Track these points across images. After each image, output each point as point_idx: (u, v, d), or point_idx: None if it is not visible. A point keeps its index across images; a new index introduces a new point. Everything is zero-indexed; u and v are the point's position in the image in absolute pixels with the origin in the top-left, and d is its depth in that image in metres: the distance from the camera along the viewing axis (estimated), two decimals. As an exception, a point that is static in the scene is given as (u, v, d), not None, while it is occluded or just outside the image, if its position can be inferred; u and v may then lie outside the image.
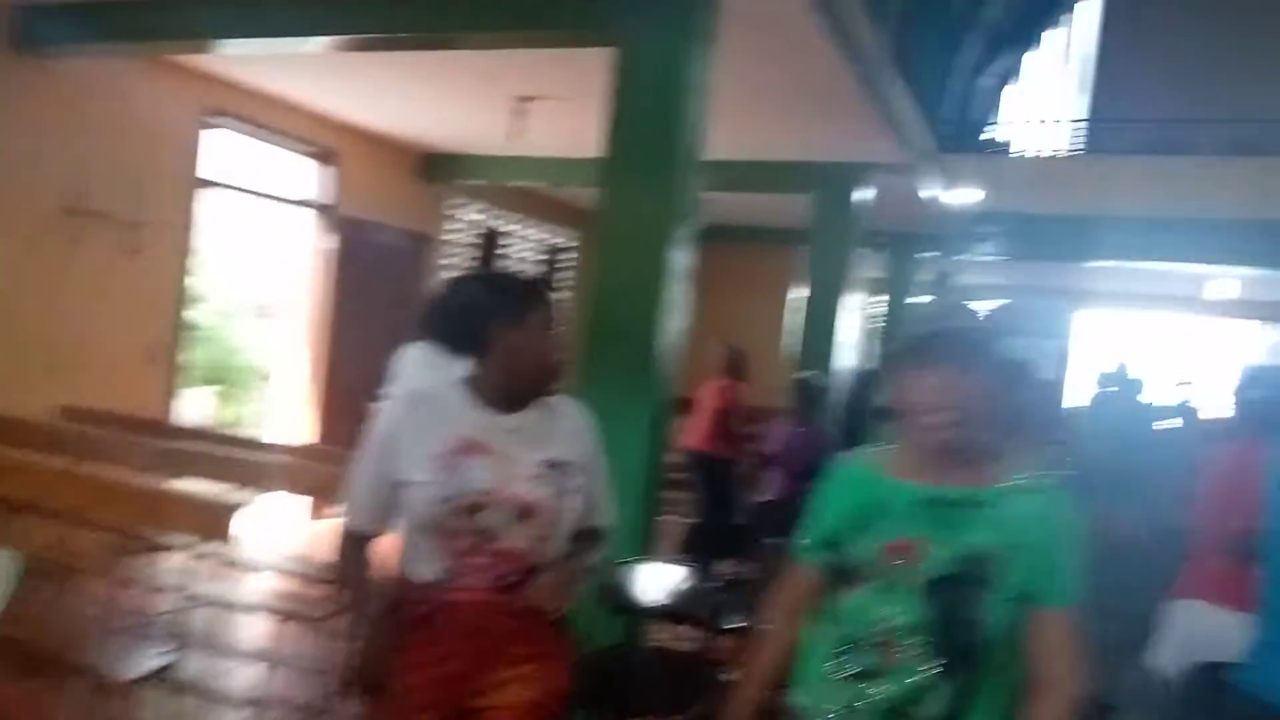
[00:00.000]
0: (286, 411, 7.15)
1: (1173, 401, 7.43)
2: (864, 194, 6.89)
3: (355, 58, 5.14)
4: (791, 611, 1.68)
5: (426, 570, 1.76)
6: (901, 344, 1.53)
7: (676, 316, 3.68)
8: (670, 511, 4.98)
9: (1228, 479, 2.96)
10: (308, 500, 5.19)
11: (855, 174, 6.77)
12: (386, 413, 1.83)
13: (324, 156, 7.04)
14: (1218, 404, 3.42)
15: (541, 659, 1.79)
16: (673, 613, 3.18)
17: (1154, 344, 14.54)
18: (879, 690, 1.47)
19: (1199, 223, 8.51)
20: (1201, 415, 6.48)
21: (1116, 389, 6.70)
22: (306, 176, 7.04)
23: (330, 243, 7.15)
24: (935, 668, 1.44)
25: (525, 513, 1.73)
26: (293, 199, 7.00)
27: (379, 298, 7.41)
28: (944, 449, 1.48)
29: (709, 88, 3.69)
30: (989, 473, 1.51)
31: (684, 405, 5.94)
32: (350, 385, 6.70)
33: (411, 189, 7.89)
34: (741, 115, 5.82)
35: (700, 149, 3.70)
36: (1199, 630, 2.86)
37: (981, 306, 11.14)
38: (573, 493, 1.78)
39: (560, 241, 10.33)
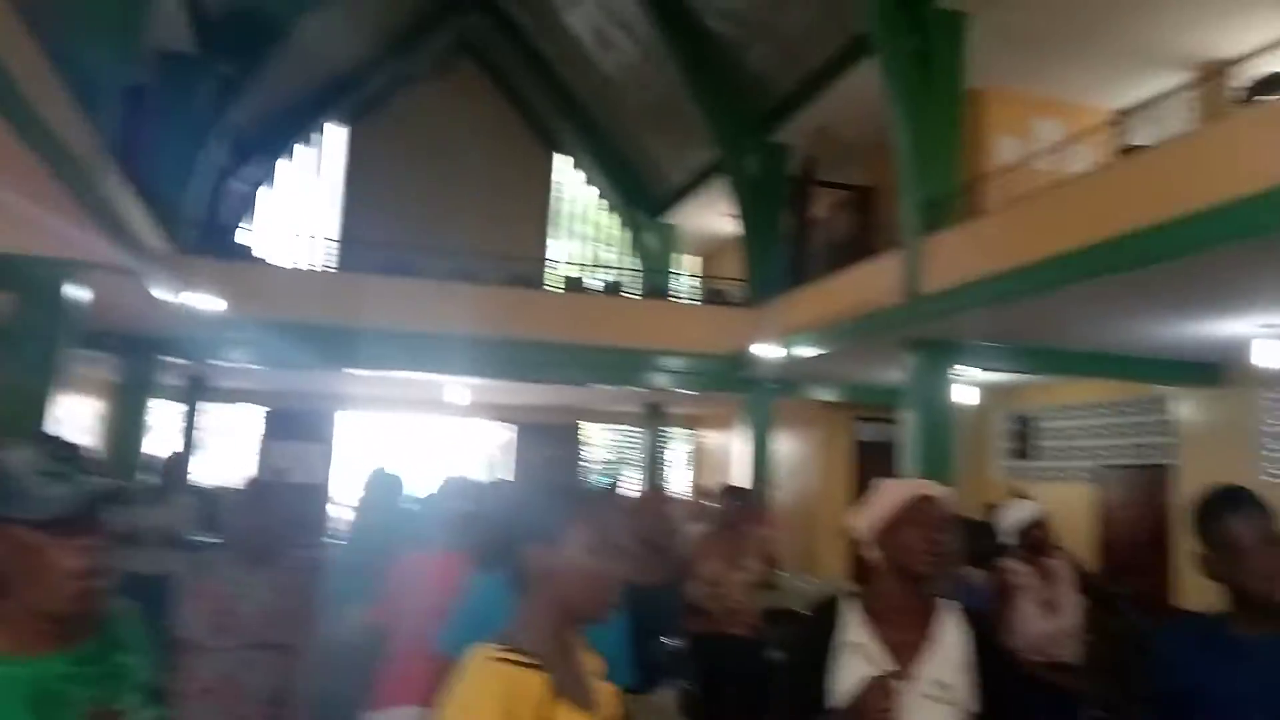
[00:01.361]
0: None
1: (422, 501, 7.93)
2: (79, 292, 6.07)
3: None
4: None
5: None
6: (51, 508, 1.35)
7: None
8: None
9: (437, 588, 2.98)
10: None
11: (65, 271, 5.93)
12: None
13: None
14: (440, 505, 3.65)
15: None
16: None
17: (408, 444, 15.82)
18: None
19: (435, 337, 9.53)
20: (432, 515, 7.00)
21: (375, 489, 6.88)
22: None
23: None
24: None
25: None
26: None
27: None
28: (66, 618, 1.40)
29: None
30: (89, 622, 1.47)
31: None
32: None
33: None
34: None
35: None
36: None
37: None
38: None
39: None
